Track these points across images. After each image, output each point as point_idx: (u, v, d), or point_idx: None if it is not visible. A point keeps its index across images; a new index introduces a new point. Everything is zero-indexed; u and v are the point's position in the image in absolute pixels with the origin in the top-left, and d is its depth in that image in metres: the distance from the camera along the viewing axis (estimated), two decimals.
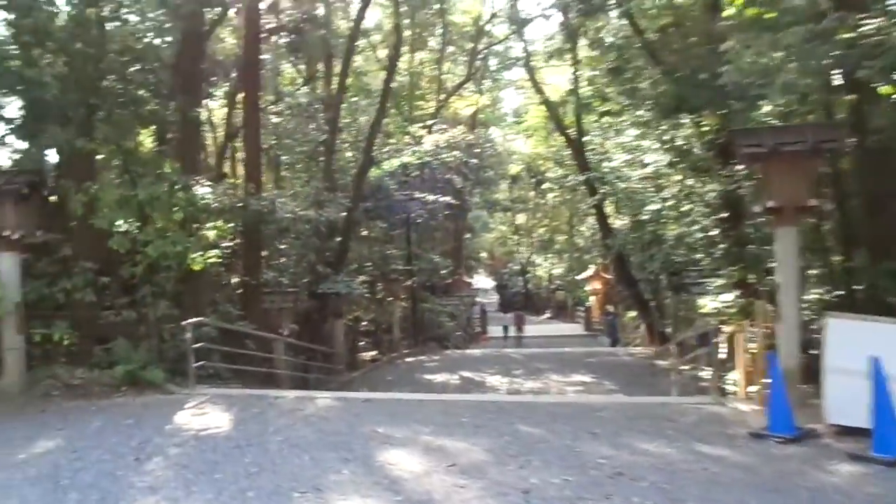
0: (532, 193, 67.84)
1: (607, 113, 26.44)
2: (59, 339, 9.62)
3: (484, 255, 77.71)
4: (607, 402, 10.13)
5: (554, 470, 6.03)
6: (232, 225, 11.41)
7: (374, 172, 22.48)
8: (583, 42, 27.82)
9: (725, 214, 16.00)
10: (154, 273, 10.76)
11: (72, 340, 9.76)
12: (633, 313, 32.06)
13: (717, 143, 15.38)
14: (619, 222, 28.65)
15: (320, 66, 26.56)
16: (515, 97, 62.73)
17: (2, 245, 9.20)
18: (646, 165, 21.43)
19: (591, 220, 53.79)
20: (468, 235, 56.47)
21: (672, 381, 14.73)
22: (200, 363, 10.65)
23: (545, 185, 64.82)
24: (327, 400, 9.71)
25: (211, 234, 10.85)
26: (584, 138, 27.57)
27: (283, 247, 17.83)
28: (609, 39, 22.00)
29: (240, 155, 19.53)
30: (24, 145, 10.24)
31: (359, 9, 19.70)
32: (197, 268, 10.52)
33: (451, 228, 47.11)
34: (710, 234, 18.14)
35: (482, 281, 75.38)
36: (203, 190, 10.87)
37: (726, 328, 12.04)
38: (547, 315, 59.35)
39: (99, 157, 11.14)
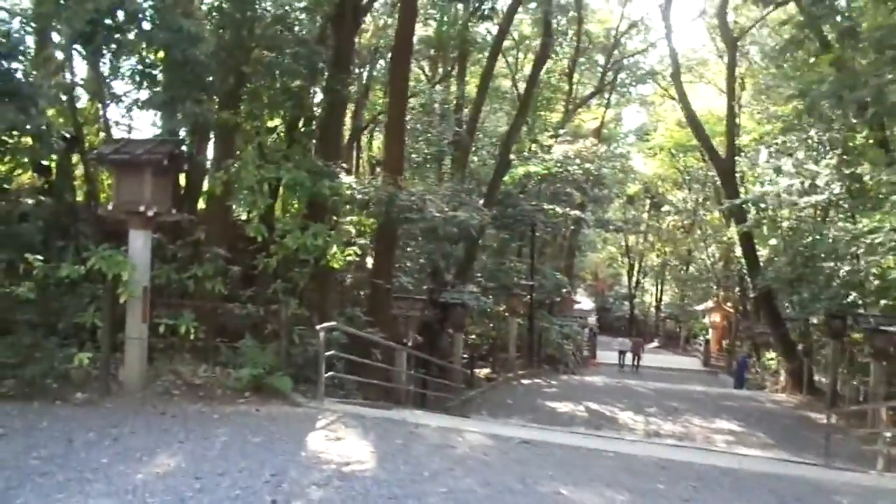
0: (646, 215, 64.83)
1: (765, 135, 23.89)
2: (185, 330, 8.58)
3: (587, 275, 74.84)
4: (833, 480, 7.99)
5: None
6: (373, 221, 10.18)
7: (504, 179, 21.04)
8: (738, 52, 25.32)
9: None
10: (288, 267, 9.62)
11: (197, 334, 8.70)
12: (771, 356, 28.97)
13: None
14: (764, 253, 25.83)
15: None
16: (636, 115, 60.08)
17: (135, 222, 8.24)
18: (816, 191, 18.82)
19: (713, 248, 50.51)
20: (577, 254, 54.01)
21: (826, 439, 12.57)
22: (330, 373, 9.42)
23: (664, 208, 61.82)
24: (477, 435, 8.17)
25: (351, 228, 9.60)
26: (735, 158, 24.90)
27: (408, 249, 16.60)
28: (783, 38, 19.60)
29: (371, 147, 18.44)
30: (165, 112, 9.32)
31: (508, 7, 18.27)
32: (335, 265, 9.29)
33: (564, 245, 45.07)
34: None
35: (584, 302, 72.50)
36: (347, 179, 9.66)
37: None
38: (655, 344, 55.77)
39: (241, 133, 10.14)
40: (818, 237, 19.23)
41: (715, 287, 46.35)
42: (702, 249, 51.98)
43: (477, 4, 17.97)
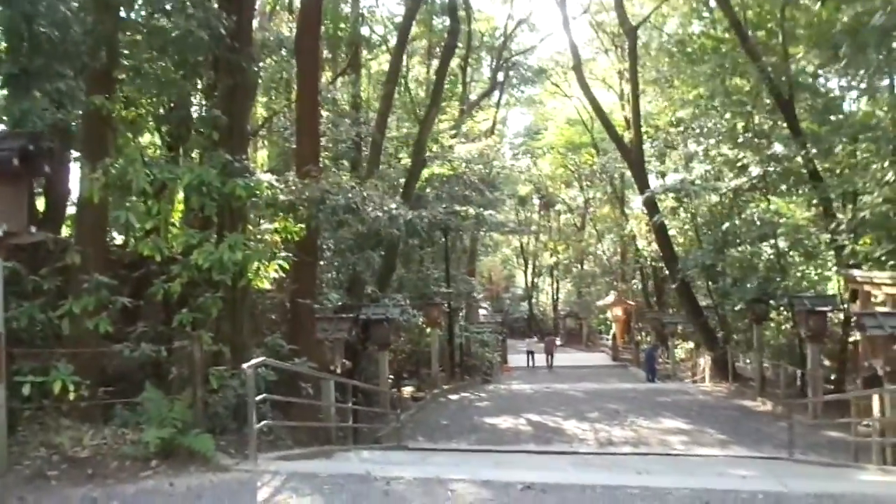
0: (536, 216, 65.42)
1: (674, 124, 23.76)
2: (61, 389, 6.32)
3: (482, 279, 74.71)
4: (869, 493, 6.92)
5: None
6: (302, 226, 8.24)
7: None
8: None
9: None
10: (196, 292, 7.53)
11: (77, 390, 6.44)
12: (687, 345, 29.11)
13: None
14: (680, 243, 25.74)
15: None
16: (521, 117, 60.38)
17: None
18: (737, 175, 18.58)
19: (608, 243, 51.32)
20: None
21: (789, 430, 12.03)
22: (262, 423, 7.43)
23: (556, 207, 62.50)
24: (466, 485, 6.46)
25: (275, 237, 7.67)
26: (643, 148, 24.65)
27: (322, 262, 14.60)
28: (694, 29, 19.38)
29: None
30: (17, 97, 6.95)
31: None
32: (259, 284, 7.33)
33: (467, 249, 44.10)
34: None
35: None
36: (265, 177, 7.71)
37: None
38: (558, 342, 55.90)
39: (120, 123, 7.89)
40: (737, 222, 18.99)
41: (616, 282, 46.93)
42: (597, 246, 52.80)
43: None
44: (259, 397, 7.24)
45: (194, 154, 8.50)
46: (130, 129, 7.94)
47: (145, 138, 8.87)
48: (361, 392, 15.38)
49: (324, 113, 19.60)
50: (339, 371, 12.04)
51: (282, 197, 8.15)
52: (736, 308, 20.55)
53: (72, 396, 6.38)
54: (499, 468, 8.05)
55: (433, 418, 16.84)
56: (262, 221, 8.23)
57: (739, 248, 19.22)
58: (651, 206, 22.72)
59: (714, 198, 20.03)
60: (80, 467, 6.45)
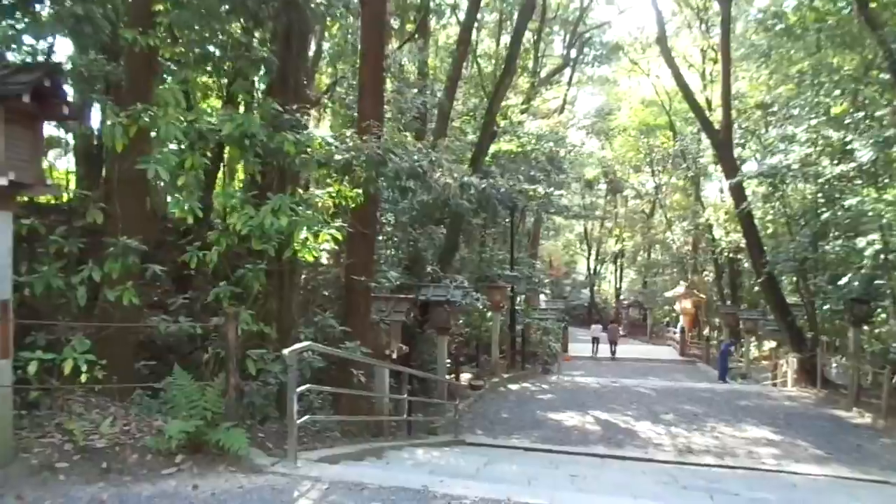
0: (602, 201, 63.02)
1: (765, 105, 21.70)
2: (73, 368, 5.42)
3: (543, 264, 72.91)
4: None
5: None
6: (359, 191, 7.09)
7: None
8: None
9: None
10: (236, 262, 6.53)
11: (92, 372, 5.52)
12: (766, 344, 27.07)
13: None
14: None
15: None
16: (591, 98, 57.90)
17: None
18: (842, 160, 16.58)
19: (679, 231, 48.76)
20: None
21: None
22: (306, 417, 6.41)
23: (625, 192, 60.03)
24: None
25: (328, 201, 6.58)
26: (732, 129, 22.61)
27: (381, 238, 13.54)
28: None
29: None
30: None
31: None
32: (308, 256, 6.27)
33: (529, 232, 42.63)
34: None
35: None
36: (320, 132, 6.62)
37: None
38: (621, 333, 53.79)
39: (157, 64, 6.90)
40: (839, 213, 16.98)
41: (686, 272, 44.65)
42: (667, 234, 50.40)
43: None
44: (302, 388, 6.20)
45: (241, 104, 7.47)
46: (175, 74, 6.95)
47: (199, 85, 7.85)
48: (419, 380, 14.39)
49: (389, 84, 18.55)
50: (394, 356, 10.99)
51: (337, 157, 7.05)
52: (830, 307, 18.60)
53: (86, 377, 5.42)
54: (579, 490, 6.82)
55: (493, 410, 15.71)
56: (312, 187, 7.11)
57: (839, 242, 17.24)
58: (738, 192, 20.79)
59: (810, 185, 18.03)
60: (93, 459, 5.57)
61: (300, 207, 6.27)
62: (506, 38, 34.21)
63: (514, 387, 19.43)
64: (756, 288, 38.79)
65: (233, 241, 6.24)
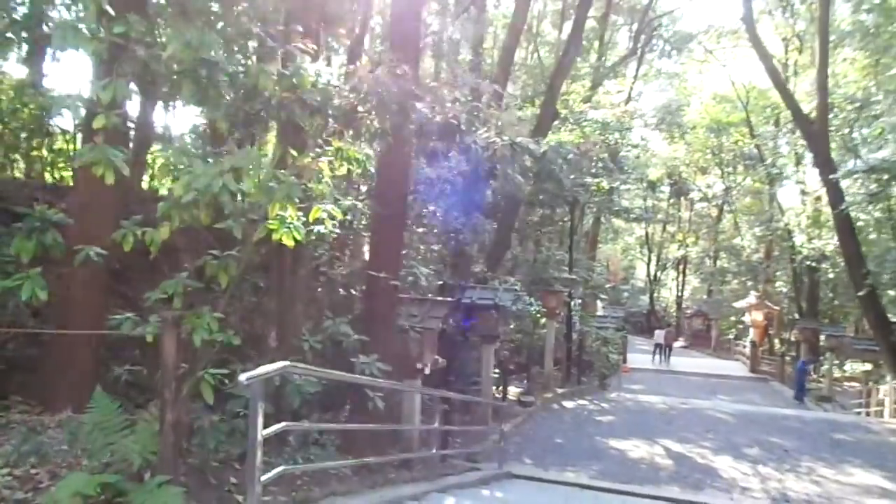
0: (665, 204, 59.65)
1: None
2: None
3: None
4: None
5: None
6: (369, 153, 5.18)
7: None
8: None
9: None
10: (195, 242, 4.72)
11: None
12: (854, 365, 24.08)
13: None
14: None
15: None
16: (658, 95, 54.71)
17: None
18: None
19: (750, 237, 45.27)
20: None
21: None
22: (278, 469, 4.51)
23: (691, 195, 56.63)
24: None
25: (324, 167, 4.68)
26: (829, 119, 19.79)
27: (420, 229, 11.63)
28: None
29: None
30: None
31: None
32: (286, 240, 4.40)
33: (588, 234, 40.22)
34: None
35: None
36: (318, 66, 4.74)
37: None
38: (682, 343, 50.50)
39: None
40: None
41: (758, 282, 41.35)
42: (736, 240, 47.06)
43: None
44: (273, 428, 4.30)
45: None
46: None
47: None
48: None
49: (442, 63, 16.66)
50: (426, 371, 9.03)
51: (336, 101, 5.07)
52: None
53: None
54: None
55: (544, 433, 13.61)
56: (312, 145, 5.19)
57: None
58: (835, 191, 18.07)
59: None
60: None
61: (284, 172, 4.37)
62: (568, 25, 32.16)
63: (569, 404, 17.23)
64: (836, 301, 35.42)
65: (191, 216, 4.39)
